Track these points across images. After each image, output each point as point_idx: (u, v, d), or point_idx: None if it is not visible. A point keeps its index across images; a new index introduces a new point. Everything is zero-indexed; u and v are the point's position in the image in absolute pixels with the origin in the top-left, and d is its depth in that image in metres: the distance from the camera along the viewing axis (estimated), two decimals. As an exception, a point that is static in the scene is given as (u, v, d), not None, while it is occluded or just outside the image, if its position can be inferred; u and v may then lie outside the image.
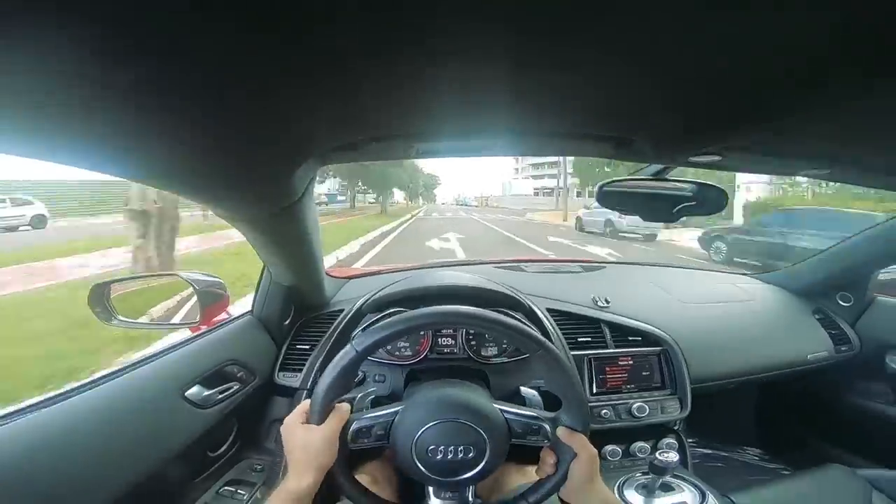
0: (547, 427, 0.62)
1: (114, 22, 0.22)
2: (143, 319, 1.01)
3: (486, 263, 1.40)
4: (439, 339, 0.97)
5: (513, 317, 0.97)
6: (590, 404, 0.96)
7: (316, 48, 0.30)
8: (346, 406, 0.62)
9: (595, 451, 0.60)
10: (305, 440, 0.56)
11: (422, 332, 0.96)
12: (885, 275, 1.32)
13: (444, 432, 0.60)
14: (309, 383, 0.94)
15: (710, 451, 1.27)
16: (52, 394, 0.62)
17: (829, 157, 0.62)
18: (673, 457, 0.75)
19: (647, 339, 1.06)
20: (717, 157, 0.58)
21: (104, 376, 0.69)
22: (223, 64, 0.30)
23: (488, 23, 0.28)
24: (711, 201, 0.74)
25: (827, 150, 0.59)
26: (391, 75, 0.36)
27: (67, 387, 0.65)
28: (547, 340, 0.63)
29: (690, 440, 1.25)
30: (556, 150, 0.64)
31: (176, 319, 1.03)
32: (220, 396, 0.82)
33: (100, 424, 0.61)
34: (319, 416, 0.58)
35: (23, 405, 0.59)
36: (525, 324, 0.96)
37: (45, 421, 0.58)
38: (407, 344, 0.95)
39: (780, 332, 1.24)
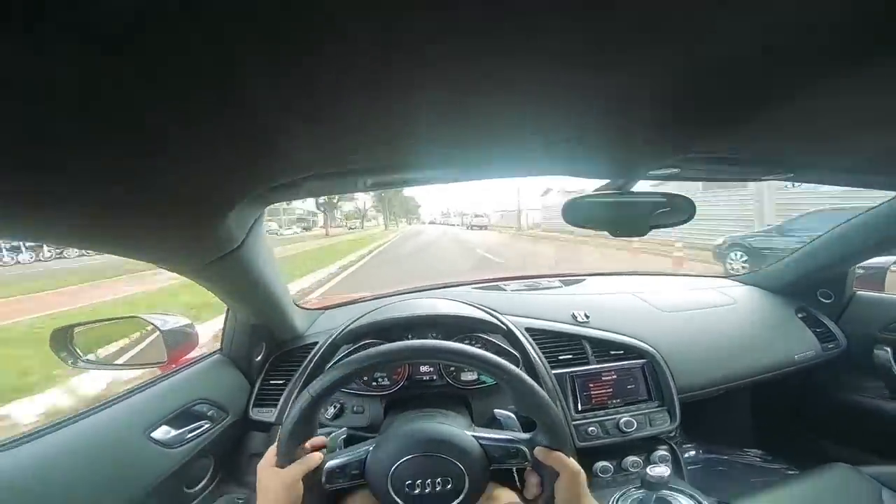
0: (525, 449, 0.62)
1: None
2: (110, 360, 0.97)
3: (466, 285, 1.39)
4: (419, 367, 0.95)
5: (489, 340, 0.96)
6: (576, 422, 0.94)
7: (236, 93, 0.28)
8: (317, 455, 0.62)
9: (578, 467, 0.60)
10: (270, 482, 0.58)
11: None
12: (861, 270, 1.32)
13: (419, 466, 0.60)
14: (284, 418, 0.91)
15: (711, 456, 1.26)
16: (9, 437, 0.61)
17: (791, 161, 0.62)
18: (664, 470, 0.74)
19: (630, 351, 1.04)
20: (675, 169, 0.57)
21: (65, 420, 0.67)
22: (137, 111, 0.28)
23: (437, 59, 0.27)
24: (681, 210, 0.73)
25: (787, 155, 0.58)
26: (324, 112, 0.34)
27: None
28: (508, 364, 0.62)
29: (689, 446, 1.23)
30: (509, 174, 0.63)
31: (124, 358, 1.00)
32: (190, 435, 0.81)
33: (61, 468, 0.60)
34: (283, 460, 0.59)
35: None
36: (502, 347, 0.94)
37: (6, 464, 0.56)
38: (384, 374, 0.93)
39: (764, 334, 1.23)
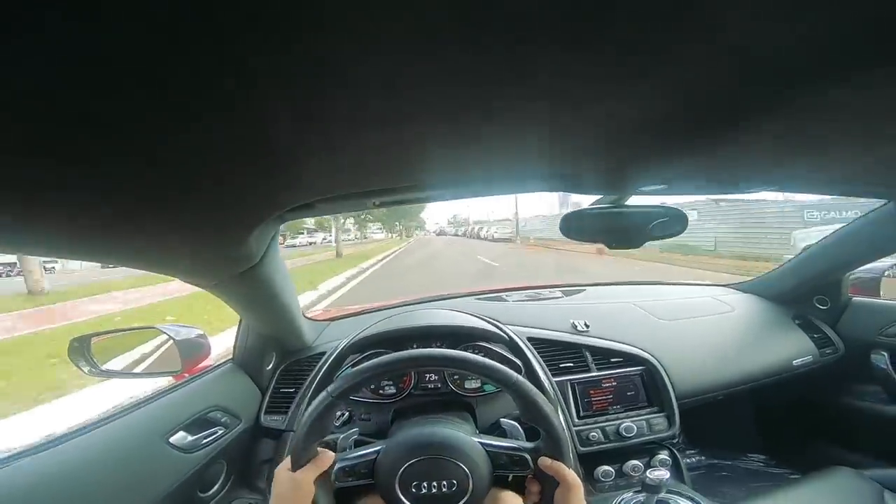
0: (528, 457, 0.64)
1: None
2: (126, 369, 1.00)
3: (468, 296, 1.42)
4: (424, 375, 0.97)
5: (492, 350, 0.99)
6: (577, 428, 0.96)
7: (260, 129, 0.31)
8: (329, 454, 0.64)
9: (577, 479, 0.62)
10: (285, 486, 0.60)
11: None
12: (856, 276, 1.34)
13: (427, 468, 0.63)
14: (295, 425, 0.94)
15: (714, 462, 1.27)
16: (36, 442, 0.63)
17: (778, 176, 0.65)
18: (664, 473, 0.76)
19: (629, 359, 1.07)
20: (663, 186, 0.61)
21: (87, 425, 0.70)
22: (178, 144, 0.31)
23: (440, 98, 0.30)
24: (674, 223, 0.76)
25: (774, 170, 0.61)
26: (339, 143, 0.38)
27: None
28: (517, 375, 0.65)
29: (692, 451, 1.25)
30: (505, 191, 0.66)
31: (142, 367, 1.03)
32: (206, 441, 0.83)
33: (84, 472, 0.63)
34: (298, 462, 0.61)
35: (6, 454, 0.59)
36: (505, 356, 0.97)
37: (31, 468, 0.58)
38: (390, 382, 0.96)
39: (762, 340, 1.25)
